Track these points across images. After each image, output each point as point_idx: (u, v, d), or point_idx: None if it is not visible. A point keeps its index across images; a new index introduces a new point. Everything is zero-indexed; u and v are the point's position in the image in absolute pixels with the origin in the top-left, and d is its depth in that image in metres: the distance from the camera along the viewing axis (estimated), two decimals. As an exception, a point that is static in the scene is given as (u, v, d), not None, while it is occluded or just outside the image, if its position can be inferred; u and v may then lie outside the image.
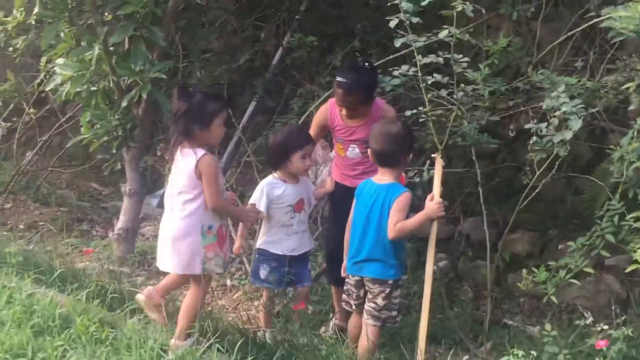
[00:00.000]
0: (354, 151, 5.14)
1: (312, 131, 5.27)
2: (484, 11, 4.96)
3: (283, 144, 4.95)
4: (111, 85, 5.98)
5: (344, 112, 5.00)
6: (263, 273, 5.00)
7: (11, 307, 4.98)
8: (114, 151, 6.20)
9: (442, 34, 4.44)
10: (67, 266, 5.80)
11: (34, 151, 8.21)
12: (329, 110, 5.19)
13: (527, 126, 4.61)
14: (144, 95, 5.67)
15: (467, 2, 4.34)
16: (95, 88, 6.00)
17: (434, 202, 4.42)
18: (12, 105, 8.18)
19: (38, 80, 7.74)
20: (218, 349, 4.44)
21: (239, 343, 4.43)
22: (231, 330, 4.82)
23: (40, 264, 5.67)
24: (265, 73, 7.47)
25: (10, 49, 7.67)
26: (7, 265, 5.63)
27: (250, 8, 7.96)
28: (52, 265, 5.68)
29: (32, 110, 8.08)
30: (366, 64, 5.02)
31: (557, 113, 4.43)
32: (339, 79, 4.91)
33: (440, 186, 4.45)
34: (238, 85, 7.90)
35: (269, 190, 4.96)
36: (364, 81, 4.89)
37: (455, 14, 4.38)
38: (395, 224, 4.41)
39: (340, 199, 5.21)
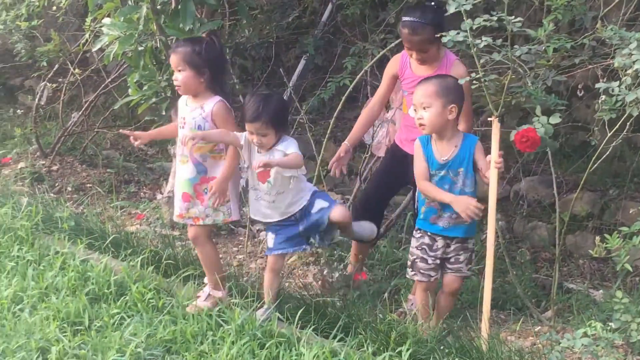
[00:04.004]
0: (413, 110, 4.96)
1: (383, 82, 5.08)
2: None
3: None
4: (159, 45, 5.85)
5: (414, 55, 4.77)
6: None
7: (65, 273, 4.96)
8: (163, 113, 6.07)
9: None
10: (119, 230, 5.75)
11: (80, 112, 8.11)
12: (400, 59, 4.97)
13: (597, 85, 4.39)
14: (194, 55, 5.53)
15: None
16: (142, 48, 5.88)
17: (473, 203, 4.28)
18: (57, 66, 8.07)
19: (83, 40, 7.61)
20: (278, 317, 4.37)
21: (300, 311, 4.34)
22: (288, 298, 4.72)
23: (92, 228, 5.61)
24: (315, 31, 7.29)
25: (54, 7, 7.56)
26: (59, 231, 5.59)
27: (299, -37, 7.78)
28: (104, 230, 5.62)
29: (77, 70, 7.96)
30: (432, 2, 4.78)
31: (629, 71, 4.22)
32: (404, 18, 4.73)
33: (499, 149, 4.28)
34: (286, 43, 7.75)
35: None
36: (429, 18, 4.64)
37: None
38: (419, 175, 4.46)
39: (392, 162, 5.11)
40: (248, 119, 4.39)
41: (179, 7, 5.54)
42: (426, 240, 4.47)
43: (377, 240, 5.20)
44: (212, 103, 4.61)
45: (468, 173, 4.37)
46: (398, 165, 4.98)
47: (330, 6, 7.25)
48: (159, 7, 5.60)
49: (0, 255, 5.22)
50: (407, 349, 3.98)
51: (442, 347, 4.08)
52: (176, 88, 4.76)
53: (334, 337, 4.23)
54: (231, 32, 6.85)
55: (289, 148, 4.43)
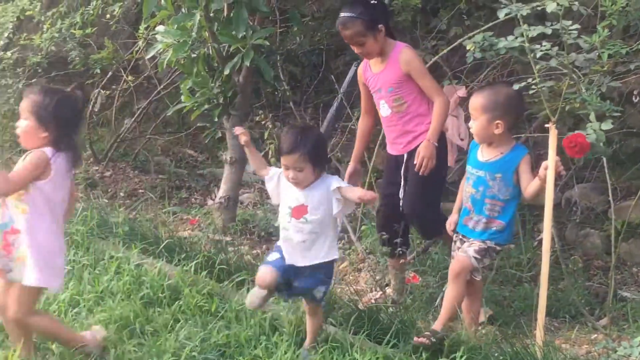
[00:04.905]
0: (384, 108, 4.98)
1: (361, 94, 5.17)
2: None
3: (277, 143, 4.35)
4: (211, 52, 5.91)
5: (356, 50, 4.89)
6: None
7: (120, 277, 5.02)
8: (215, 119, 6.13)
9: (550, 7, 4.20)
10: (172, 235, 5.81)
11: (132, 119, 8.22)
12: (362, 66, 5.09)
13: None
14: (247, 63, 5.58)
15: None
16: (195, 55, 5.94)
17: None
18: (110, 73, 8.18)
19: (136, 48, 7.71)
20: (331, 323, 4.38)
21: (353, 317, 4.35)
22: (341, 303, 4.73)
23: (146, 233, 5.68)
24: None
25: (107, 16, 7.67)
26: (114, 235, 5.67)
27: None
28: (157, 235, 5.68)
29: (129, 77, 8.07)
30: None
31: (688, 77, 4.18)
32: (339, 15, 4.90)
33: (556, 156, 4.23)
34: (335, 50, 7.78)
35: (281, 175, 4.17)
36: (358, 12, 4.76)
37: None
38: None
39: (389, 171, 5.15)
40: (284, 150, 3.99)
41: (232, 14, 5.60)
42: (458, 244, 4.48)
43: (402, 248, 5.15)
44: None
45: (506, 181, 4.30)
46: (395, 170, 5.02)
47: (381, 13, 7.26)
48: (212, 14, 5.67)
49: (57, 260, 5.28)
50: (461, 356, 3.97)
51: (496, 354, 4.06)
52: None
53: (387, 343, 4.23)
54: (282, 39, 6.90)
55: (333, 182, 4.04)
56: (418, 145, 4.80)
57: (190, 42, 5.71)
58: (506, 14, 4.34)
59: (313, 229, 4.03)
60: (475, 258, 4.33)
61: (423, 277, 5.38)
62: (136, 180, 7.80)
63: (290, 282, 4.11)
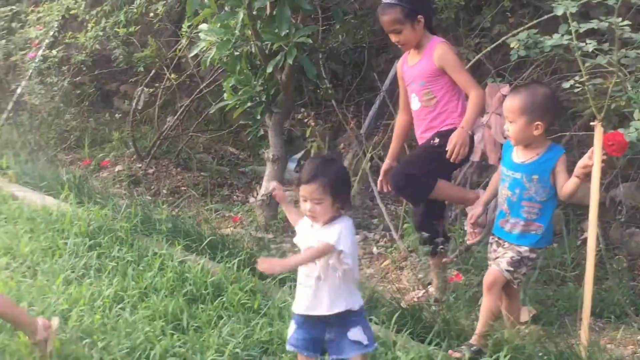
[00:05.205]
0: (414, 101, 4.94)
1: (400, 90, 5.15)
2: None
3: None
4: (254, 50, 5.94)
5: (393, 39, 4.86)
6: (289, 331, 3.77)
7: (164, 274, 5.06)
8: (258, 117, 6.16)
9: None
10: (214, 232, 5.85)
11: (175, 117, 8.28)
12: (400, 61, 5.08)
13: None
14: (289, 61, 5.60)
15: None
16: (238, 53, 5.98)
17: None
18: (153, 71, 8.25)
19: (179, 46, 7.77)
20: (374, 321, 4.38)
21: (395, 315, 4.35)
22: (383, 301, 4.73)
23: (189, 230, 5.72)
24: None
25: (151, 14, 7.74)
26: (157, 232, 5.72)
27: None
28: (200, 232, 5.72)
29: (172, 75, 8.14)
30: None
31: None
32: None
33: (603, 155, 4.18)
34: (377, 48, 7.76)
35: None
36: None
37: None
38: None
39: None
40: (303, 179, 3.55)
41: (275, 12, 5.62)
42: (494, 246, 4.41)
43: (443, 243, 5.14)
44: None
45: (543, 182, 4.20)
46: None
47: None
48: (255, 12, 5.69)
49: (101, 256, 5.36)
50: (505, 355, 3.95)
51: (540, 354, 4.03)
52: None
53: (430, 342, 4.22)
54: (325, 37, 6.91)
55: (331, 234, 3.50)
56: (438, 131, 4.81)
57: (233, 40, 5.75)
58: (564, 10, 4.28)
59: (319, 274, 3.56)
60: (507, 271, 4.25)
61: (466, 276, 5.35)
62: (179, 178, 7.86)
63: (321, 340, 3.65)
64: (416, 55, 4.91)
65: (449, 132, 4.75)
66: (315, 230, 3.58)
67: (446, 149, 4.67)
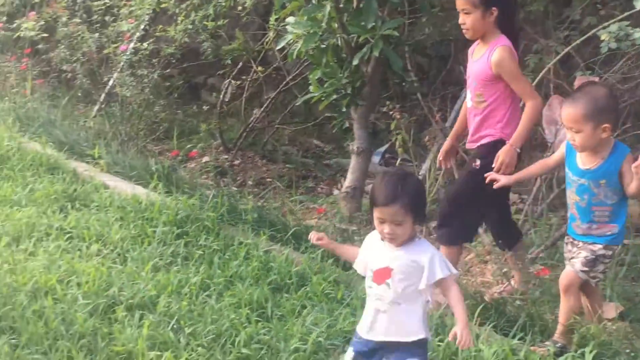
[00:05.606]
0: (468, 97, 4.84)
1: None
2: None
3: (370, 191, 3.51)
4: (340, 43, 5.97)
5: (460, 19, 4.73)
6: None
7: (249, 263, 5.13)
8: (343, 109, 6.19)
9: None
10: (299, 223, 5.91)
11: (261, 109, 8.37)
12: (472, 46, 4.93)
13: None
14: (375, 53, 5.62)
15: None
16: (325, 46, 6.01)
17: None
18: (240, 64, 8.35)
19: (266, 39, 7.85)
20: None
21: (479, 308, 4.33)
22: (467, 295, 4.71)
23: (274, 221, 5.80)
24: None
25: (239, 8, 7.83)
26: (243, 222, 5.80)
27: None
28: (285, 223, 5.79)
29: (259, 68, 8.22)
30: None
31: None
32: None
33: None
34: (464, 41, 7.68)
35: (369, 238, 3.57)
36: None
37: None
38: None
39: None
40: (381, 202, 3.30)
41: (362, 5, 5.64)
42: (569, 247, 4.33)
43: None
44: None
45: (612, 185, 4.09)
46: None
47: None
48: (341, 5, 5.72)
49: (188, 244, 5.46)
50: (591, 351, 3.90)
51: (627, 350, 3.97)
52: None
53: (514, 336, 4.20)
54: (411, 29, 6.89)
55: (438, 269, 3.31)
56: (479, 146, 4.73)
57: (319, 33, 5.79)
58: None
59: (395, 299, 3.36)
60: (583, 271, 4.17)
61: (553, 270, 5.29)
62: (264, 169, 7.95)
63: None
64: (480, 50, 4.77)
65: (489, 149, 4.67)
66: (391, 251, 3.37)
67: (492, 166, 4.59)
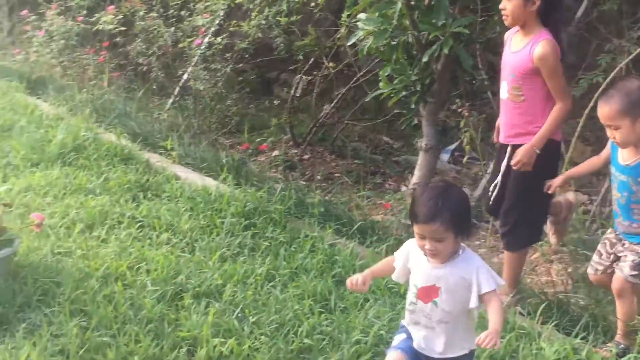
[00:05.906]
0: (503, 89, 4.73)
1: None
2: None
3: (410, 205, 3.38)
4: (411, 40, 5.98)
5: (501, 4, 4.62)
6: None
7: (314, 256, 5.20)
8: (412, 106, 6.20)
9: None
10: (365, 218, 5.95)
11: (331, 105, 8.43)
12: (508, 33, 4.84)
13: None
14: (445, 51, 5.61)
15: None
16: (395, 43, 6.03)
17: None
18: (312, 60, 8.43)
19: (337, 35, 7.90)
20: (519, 312, 4.37)
21: (541, 307, 4.32)
22: (530, 293, 4.71)
23: (340, 215, 5.86)
24: (568, 27, 7.14)
25: (312, 4, 7.90)
26: (309, 216, 5.87)
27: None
28: (351, 217, 5.85)
29: (330, 64, 8.28)
30: None
31: None
32: None
33: None
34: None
35: (410, 247, 3.42)
36: None
37: None
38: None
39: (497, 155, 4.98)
40: (420, 219, 3.17)
41: (433, 2, 5.64)
42: (611, 236, 4.28)
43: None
44: None
45: None
46: (499, 158, 4.89)
47: (585, 2, 7.08)
48: (413, 2, 5.73)
49: (255, 235, 5.55)
50: (655, 352, 3.87)
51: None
52: None
53: (576, 335, 4.18)
54: (483, 27, 6.85)
55: (484, 283, 3.20)
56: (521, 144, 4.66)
57: (390, 30, 5.80)
58: None
59: (443, 317, 3.28)
60: (632, 276, 4.11)
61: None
62: (333, 165, 8.02)
63: None
64: (520, 41, 4.66)
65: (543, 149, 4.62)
66: (437, 269, 3.26)
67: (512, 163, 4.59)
